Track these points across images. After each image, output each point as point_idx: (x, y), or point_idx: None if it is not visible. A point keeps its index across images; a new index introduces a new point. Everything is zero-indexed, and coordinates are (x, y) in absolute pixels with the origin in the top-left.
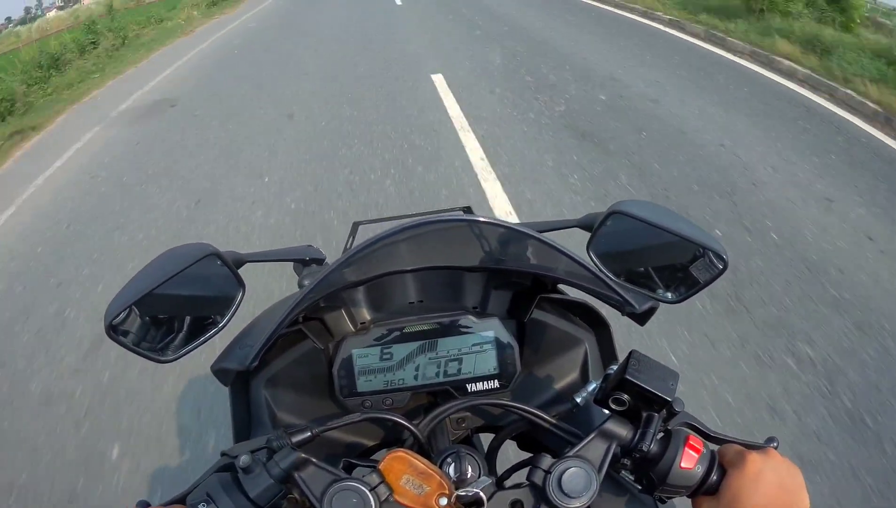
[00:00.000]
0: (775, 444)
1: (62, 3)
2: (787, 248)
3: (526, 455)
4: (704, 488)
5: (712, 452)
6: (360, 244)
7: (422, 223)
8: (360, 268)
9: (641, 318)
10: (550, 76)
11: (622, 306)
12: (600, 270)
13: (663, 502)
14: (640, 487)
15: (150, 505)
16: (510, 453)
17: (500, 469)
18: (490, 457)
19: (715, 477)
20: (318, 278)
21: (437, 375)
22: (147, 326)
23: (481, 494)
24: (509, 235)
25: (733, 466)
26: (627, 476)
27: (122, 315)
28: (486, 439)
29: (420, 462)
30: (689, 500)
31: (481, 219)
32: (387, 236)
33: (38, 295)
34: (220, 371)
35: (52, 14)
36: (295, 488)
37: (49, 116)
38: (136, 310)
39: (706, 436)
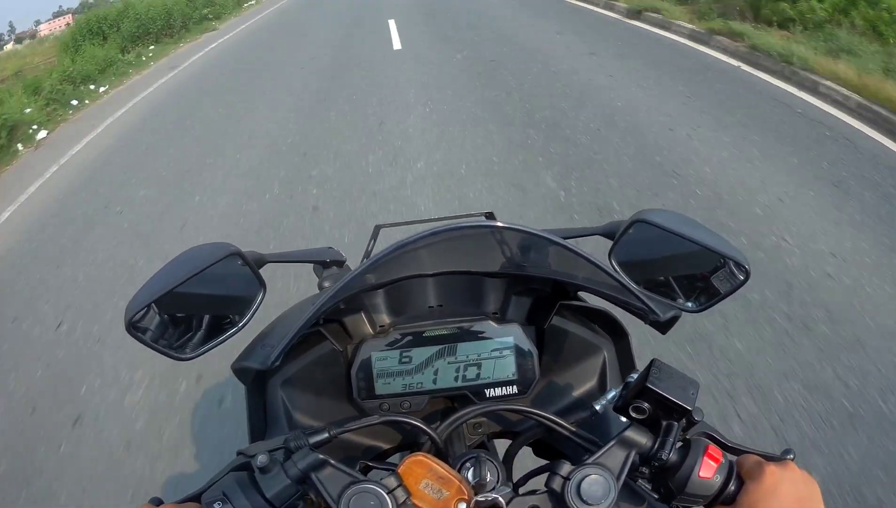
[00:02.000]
0: (792, 456)
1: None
2: None
3: (542, 462)
4: (721, 498)
5: (730, 462)
6: (382, 251)
7: (444, 230)
8: (381, 272)
9: (664, 327)
10: None
11: (646, 315)
12: (623, 280)
13: None
14: (656, 496)
15: (163, 503)
16: (525, 460)
17: (515, 476)
18: (506, 463)
19: (732, 488)
20: (342, 281)
21: (456, 379)
22: (166, 323)
23: (500, 500)
24: (531, 241)
25: (751, 477)
26: (644, 485)
27: (142, 313)
28: (500, 445)
29: (440, 467)
30: None
31: (503, 225)
32: (409, 242)
33: None
34: (240, 370)
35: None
36: (312, 489)
37: None
38: (155, 308)
39: (724, 446)
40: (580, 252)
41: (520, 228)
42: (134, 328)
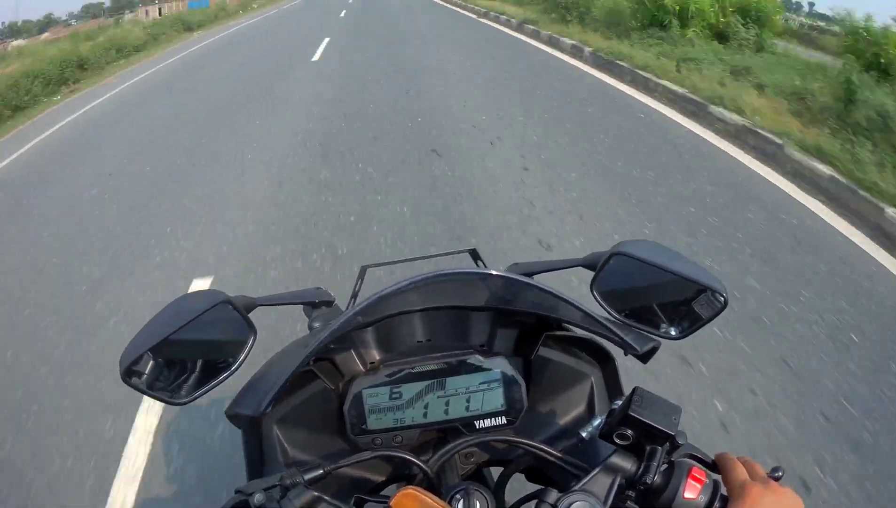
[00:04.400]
0: (780, 474)
1: None
2: None
3: (534, 487)
4: None
5: (715, 481)
6: (368, 299)
7: (427, 278)
8: (369, 311)
9: (644, 358)
10: None
11: (624, 348)
12: (605, 310)
13: None
14: None
15: None
16: (519, 485)
17: (509, 502)
18: (499, 490)
19: (718, 506)
20: (330, 328)
21: (446, 413)
22: (160, 369)
23: None
24: (514, 283)
25: (736, 496)
26: (632, 507)
27: (137, 361)
28: (495, 471)
29: (430, 500)
30: None
31: (486, 272)
32: (394, 291)
33: None
34: (234, 416)
35: None
36: None
37: None
38: (149, 355)
39: (709, 466)
40: (559, 294)
41: (502, 275)
42: (129, 375)
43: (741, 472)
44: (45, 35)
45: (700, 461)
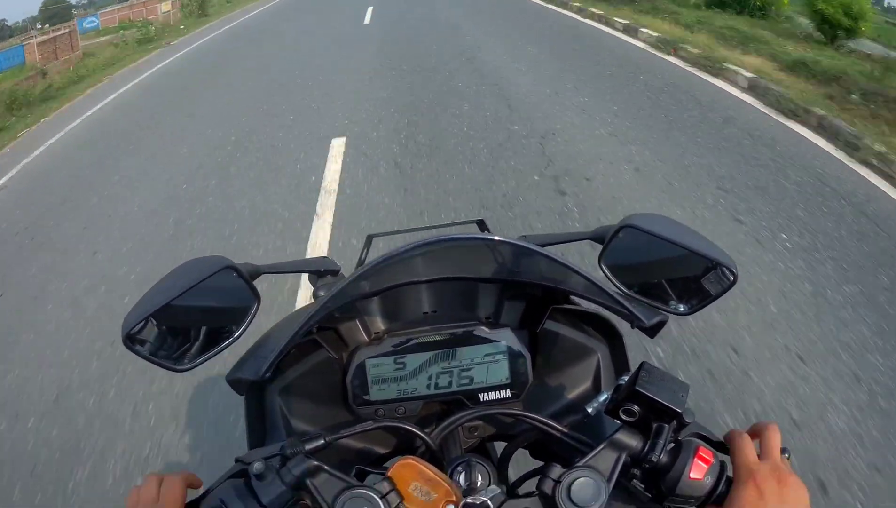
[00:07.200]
0: (787, 455)
1: None
2: None
3: (539, 463)
4: (713, 498)
5: (721, 463)
6: (373, 261)
7: (435, 241)
8: (375, 280)
9: (651, 331)
10: None
11: (631, 320)
12: (612, 284)
13: None
14: (649, 496)
15: None
16: (523, 461)
17: (512, 477)
18: (502, 465)
19: (724, 489)
20: (332, 291)
21: (450, 384)
22: (163, 335)
23: (489, 502)
24: (522, 251)
25: (740, 478)
26: (637, 486)
27: (139, 326)
28: (499, 446)
29: (428, 470)
30: None
31: (494, 238)
32: (400, 253)
33: None
34: (234, 381)
35: None
36: (307, 495)
37: None
38: (152, 320)
39: (716, 446)
40: (567, 263)
41: (510, 240)
42: (131, 340)
43: (750, 453)
44: None
45: (707, 440)
